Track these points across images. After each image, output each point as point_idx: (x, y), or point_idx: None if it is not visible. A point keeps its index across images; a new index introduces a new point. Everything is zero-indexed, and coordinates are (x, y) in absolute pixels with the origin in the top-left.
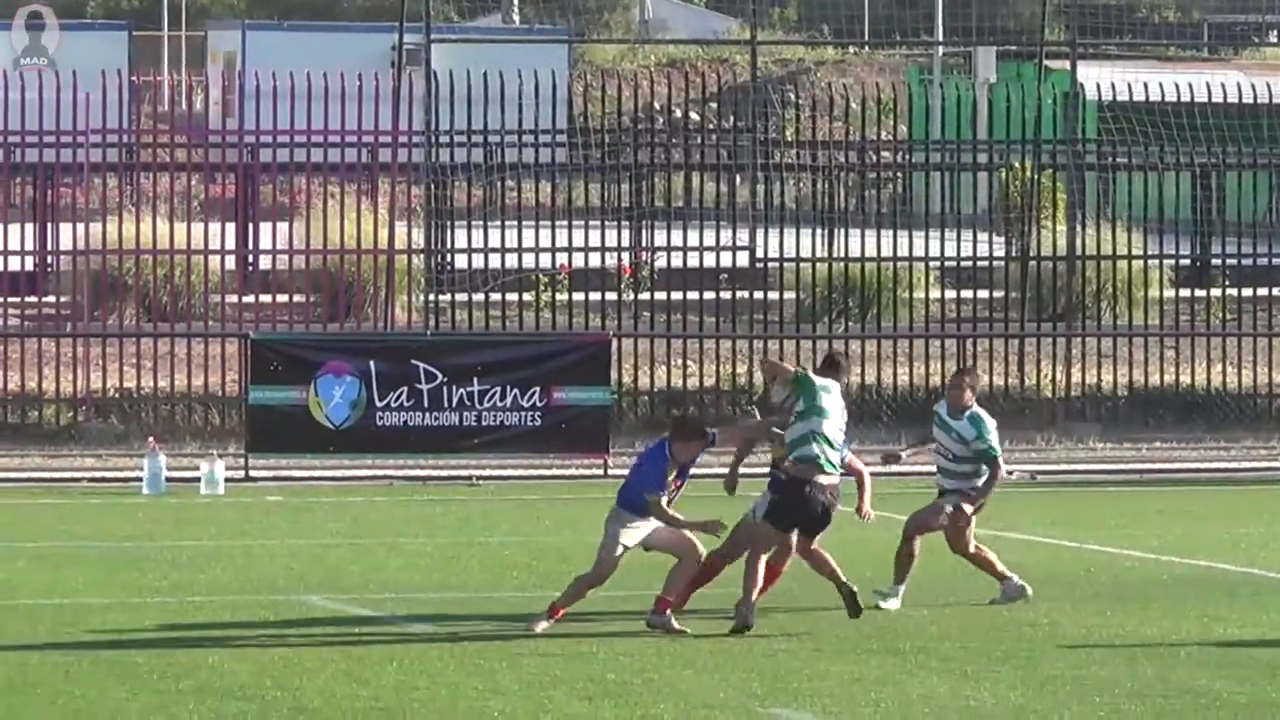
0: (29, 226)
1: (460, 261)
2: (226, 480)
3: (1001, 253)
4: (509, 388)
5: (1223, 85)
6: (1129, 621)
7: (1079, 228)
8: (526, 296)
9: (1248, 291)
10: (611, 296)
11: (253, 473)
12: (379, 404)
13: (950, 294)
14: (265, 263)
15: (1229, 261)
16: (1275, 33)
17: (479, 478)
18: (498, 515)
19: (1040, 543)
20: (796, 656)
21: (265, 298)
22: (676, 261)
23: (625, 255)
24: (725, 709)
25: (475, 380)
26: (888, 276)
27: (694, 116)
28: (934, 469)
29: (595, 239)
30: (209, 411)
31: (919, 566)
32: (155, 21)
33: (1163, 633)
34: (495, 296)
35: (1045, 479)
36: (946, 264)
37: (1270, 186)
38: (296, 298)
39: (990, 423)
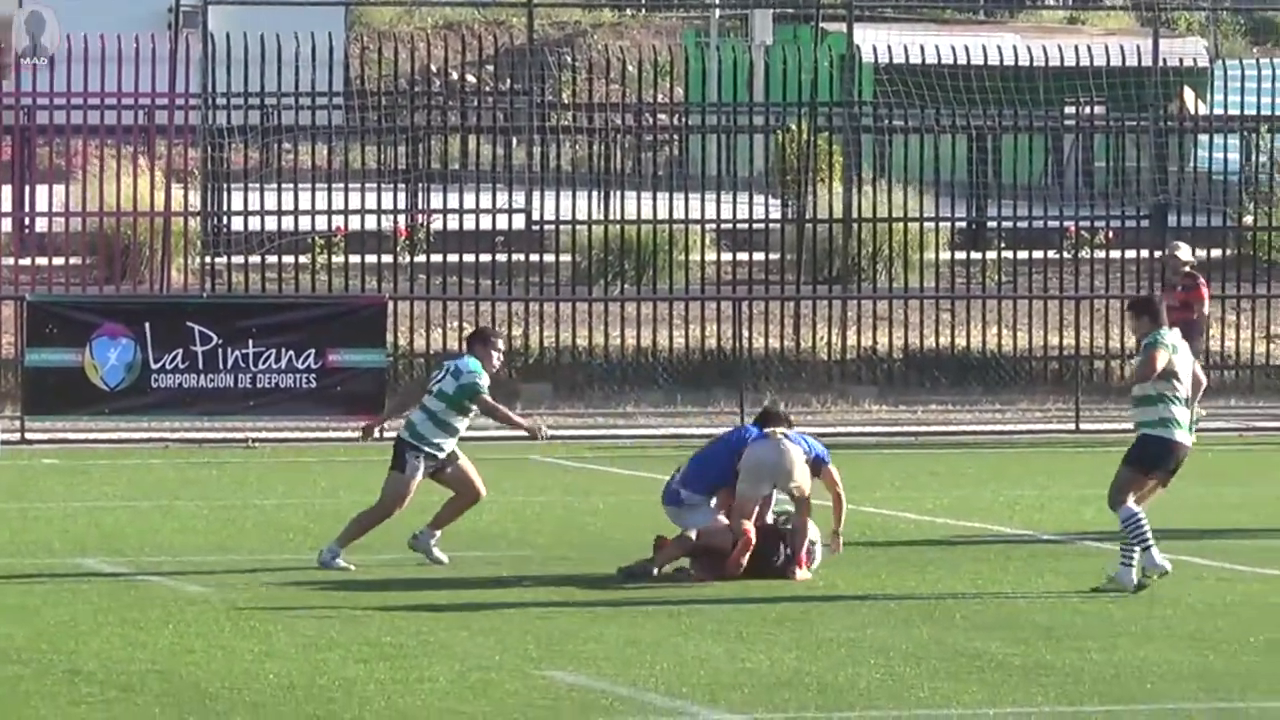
0: None
1: (237, 224)
2: (2, 443)
3: (778, 215)
4: (284, 350)
5: (999, 48)
6: (905, 584)
7: (855, 190)
8: (303, 259)
9: (1023, 254)
10: (387, 259)
11: (29, 435)
12: (154, 366)
13: (727, 256)
14: (42, 225)
15: (1005, 224)
16: None
17: (255, 440)
18: (274, 478)
19: (817, 505)
20: (572, 619)
21: (42, 260)
22: (453, 224)
23: (401, 218)
24: (501, 671)
25: (251, 342)
26: (664, 239)
27: (470, 79)
28: None
29: (371, 202)
30: None
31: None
32: None
33: (938, 595)
34: (271, 259)
35: (824, 441)
36: (723, 226)
37: (1046, 149)
38: (73, 260)
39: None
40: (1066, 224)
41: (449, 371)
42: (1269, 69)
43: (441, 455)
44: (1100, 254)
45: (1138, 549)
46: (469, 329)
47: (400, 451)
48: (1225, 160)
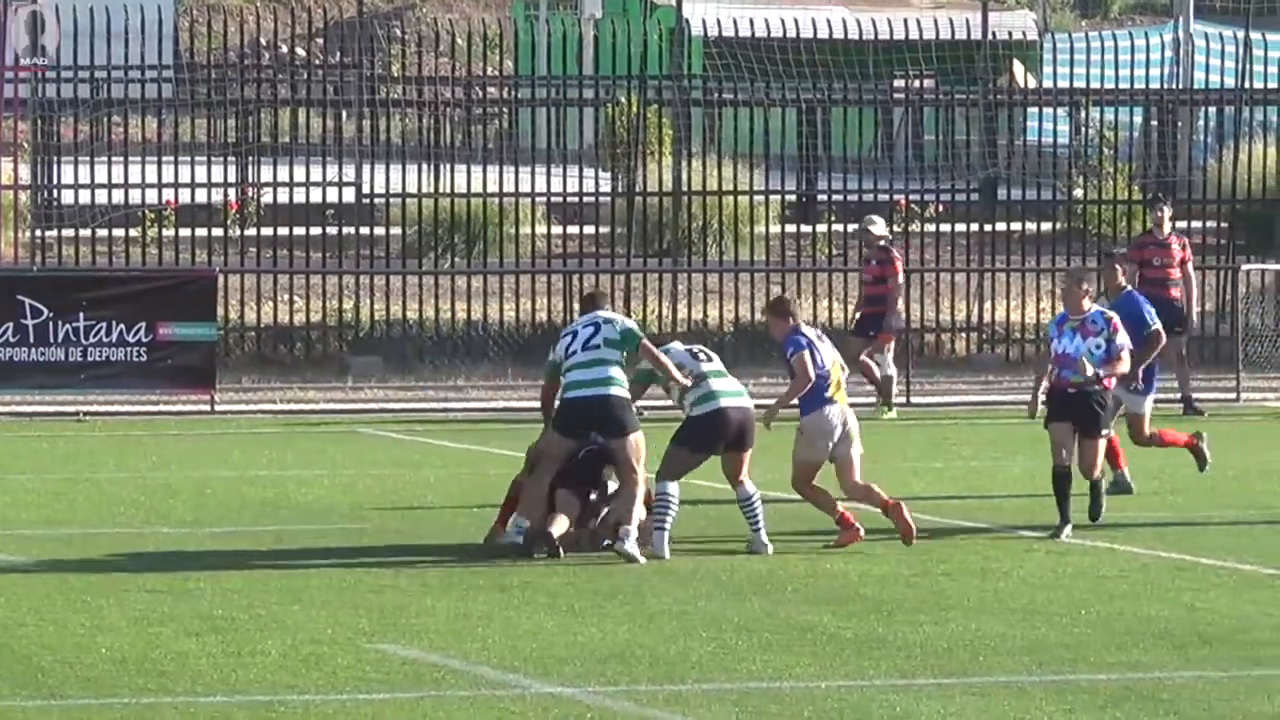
0: None
1: (67, 197)
2: None
3: (608, 189)
4: (115, 323)
5: (828, 21)
6: (736, 556)
7: (685, 164)
8: (133, 232)
9: (853, 227)
10: (218, 232)
11: None
12: None
13: (557, 229)
14: None
15: (835, 197)
16: None
17: (86, 413)
18: (104, 451)
19: (649, 478)
20: (404, 593)
21: None
22: (283, 197)
23: (231, 191)
24: (333, 644)
25: (81, 316)
26: (494, 212)
27: (300, 53)
28: None
29: (201, 175)
30: None
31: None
32: None
33: (770, 568)
34: (102, 232)
35: (652, 415)
36: (553, 199)
37: (876, 123)
38: None
39: None
40: (896, 197)
41: (599, 323)
42: (1098, 42)
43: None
44: (930, 227)
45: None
46: (299, 302)
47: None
48: (1055, 134)
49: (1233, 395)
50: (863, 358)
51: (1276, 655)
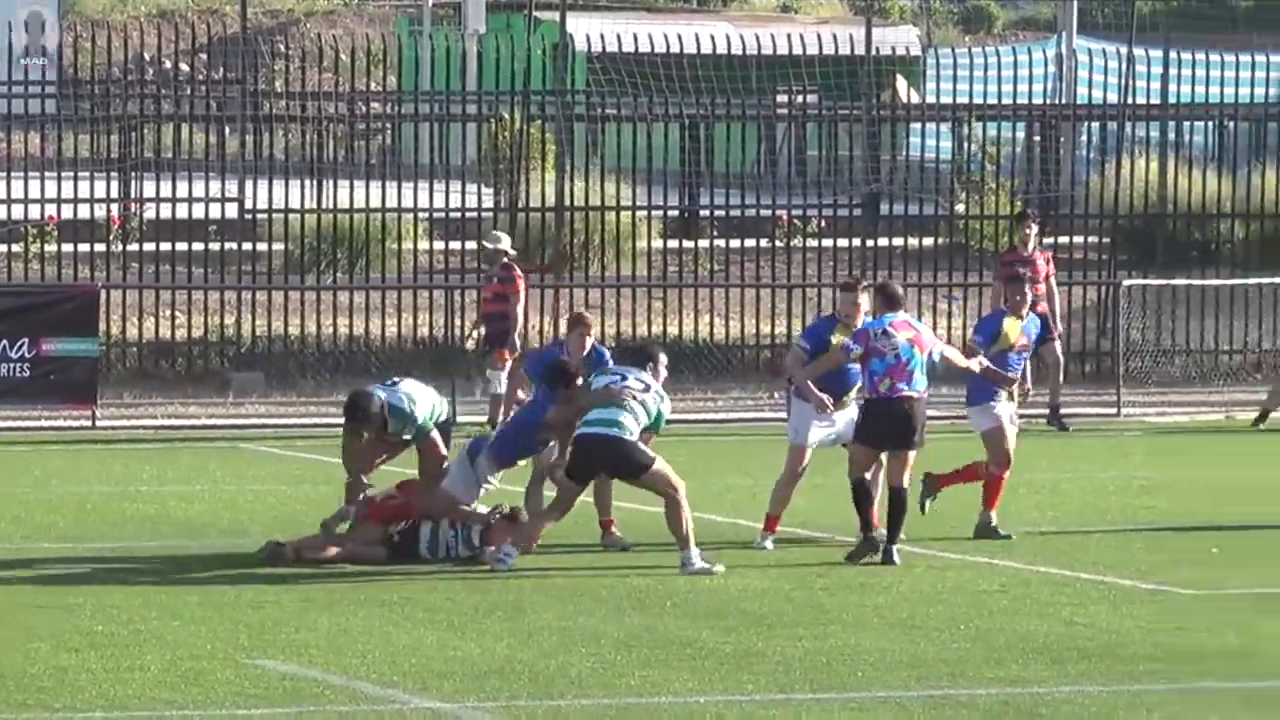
0: None
1: None
2: None
3: (491, 204)
4: None
5: (711, 37)
6: (616, 572)
7: (568, 179)
8: (15, 248)
9: (736, 243)
10: (100, 248)
11: None
12: None
13: (440, 245)
14: None
15: (717, 213)
16: None
17: None
18: None
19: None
20: (283, 608)
21: None
22: (165, 213)
23: (114, 206)
24: (212, 659)
25: None
26: (377, 228)
27: (184, 68)
28: None
29: (84, 190)
30: None
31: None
32: None
33: (650, 584)
34: None
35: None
36: (436, 215)
37: (759, 138)
38: None
39: None
40: (779, 212)
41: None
42: (981, 57)
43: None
44: (813, 242)
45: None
46: (181, 318)
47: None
48: (937, 149)
49: (1113, 410)
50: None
51: (1154, 670)
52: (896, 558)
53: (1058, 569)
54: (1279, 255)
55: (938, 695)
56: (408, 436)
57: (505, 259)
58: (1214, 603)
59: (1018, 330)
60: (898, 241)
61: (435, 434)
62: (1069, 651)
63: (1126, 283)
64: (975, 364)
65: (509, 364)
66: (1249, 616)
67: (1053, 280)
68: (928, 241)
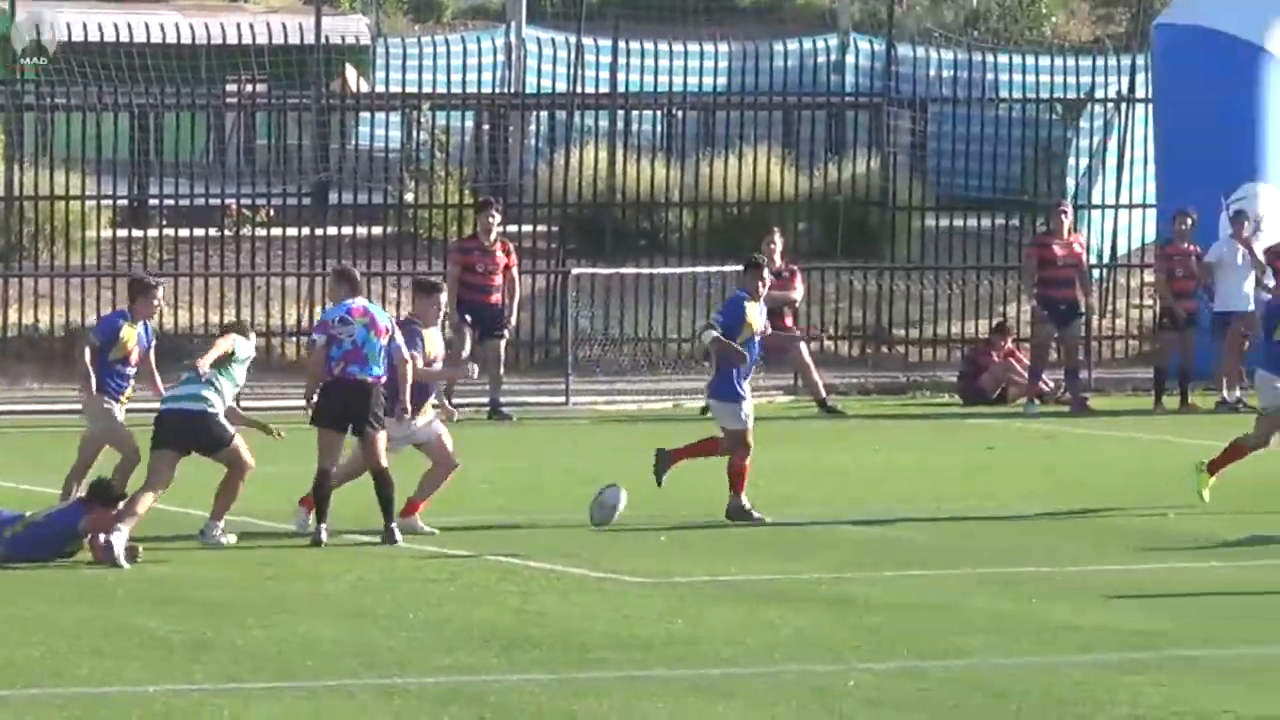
0: None
1: None
2: None
3: None
4: None
5: (161, 25)
6: (64, 563)
7: (18, 168)
8: None
9: (185, 232)
10: None
11: None
12: None
13: None
14: None
15: (167, 202)
16: None
17: None
18: None
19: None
20: None
21: None
22: None
23: None
24: None
25: None
26: None
27: None
28: None
29: None
30: None
31: None
32: None
33: (100, 573)
34: None
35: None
36: None
37: (208, 127)
38: None
39: None
40: (228, 201)
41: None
42: (430, 46)
43: None
44: (261, 231)
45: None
46: None
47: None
48: (387, 138)
49: (562, 399)
50: None
51: (603, 658)
52: (398, 536)
53: (506, 557)
54: (727, 244)
55: (387, 683)
56: None
57: None
58: (663, 591)
59: None
60: (347, 230)
61: None
62: (518, 640)
63: (575, 271)
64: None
65: None
66: (696, 605)
67: (513, 270)
68: (377, 230)
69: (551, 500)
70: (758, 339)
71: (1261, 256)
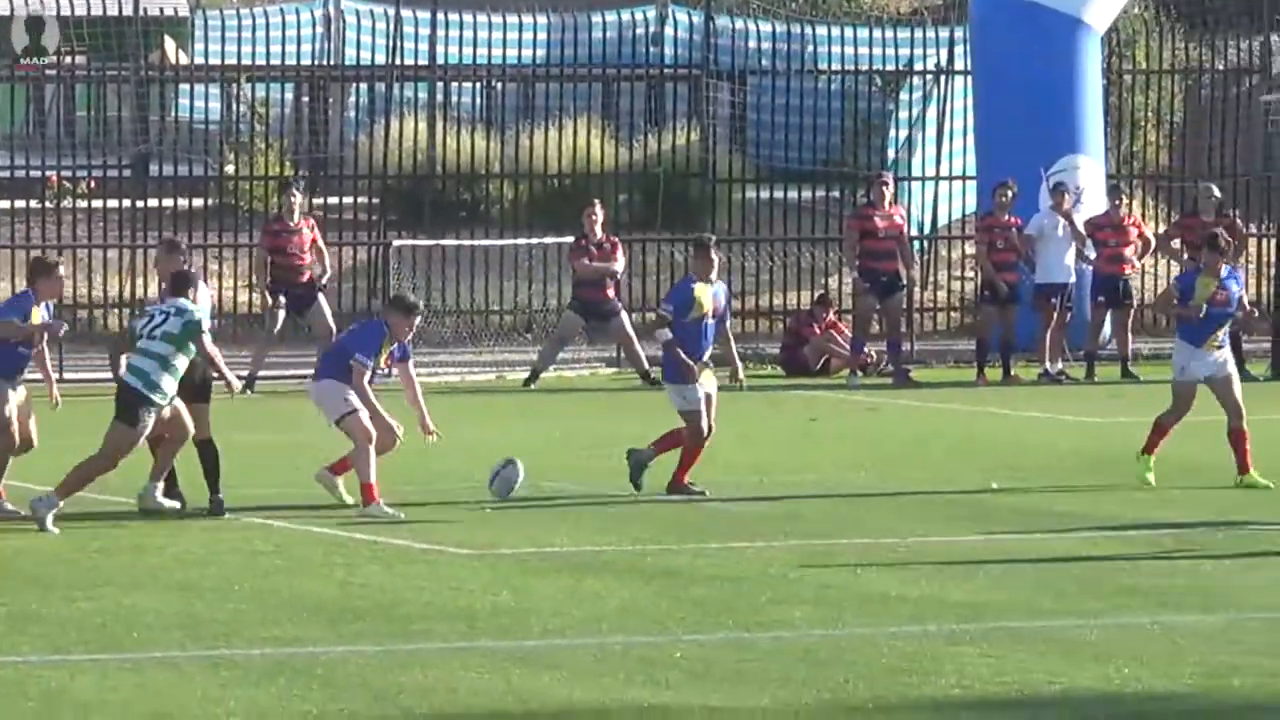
0: None
1: None
2: None
3: None
4: None
5: None
6: None
7: None
8: None
9: (5, 204)
10: None
11: None
12: None
13: None
14: None
15: None
16: None
17: None
18: None
19: None
20: None
21: None
22: None
23: None
24: None
25: None
26: None
27: None
28: None
29: None
30: None
31: None
32: None
33: None
34: None
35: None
36: None
37: (27, 99)
38: None
39: None
40: (48, 174)
41: (169, 313)
42: (250, 19)
43: (167, 402)
44: (82, 204)
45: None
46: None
47: (132, 404)
48: (206, 110)
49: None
50: None
51: (427, 629)
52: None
53: (331, 530)
54: (547, 216)
55: (213, 655)
56: None
57: None
58: (488, 563)
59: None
60: (167, 202)
61: None
62: (344, 611)
63: (396, 243)
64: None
65: None
66: (522, 577)
67: (320, 243)
68: (197, 202)
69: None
70: (710, 320)
71: (1082, 228)
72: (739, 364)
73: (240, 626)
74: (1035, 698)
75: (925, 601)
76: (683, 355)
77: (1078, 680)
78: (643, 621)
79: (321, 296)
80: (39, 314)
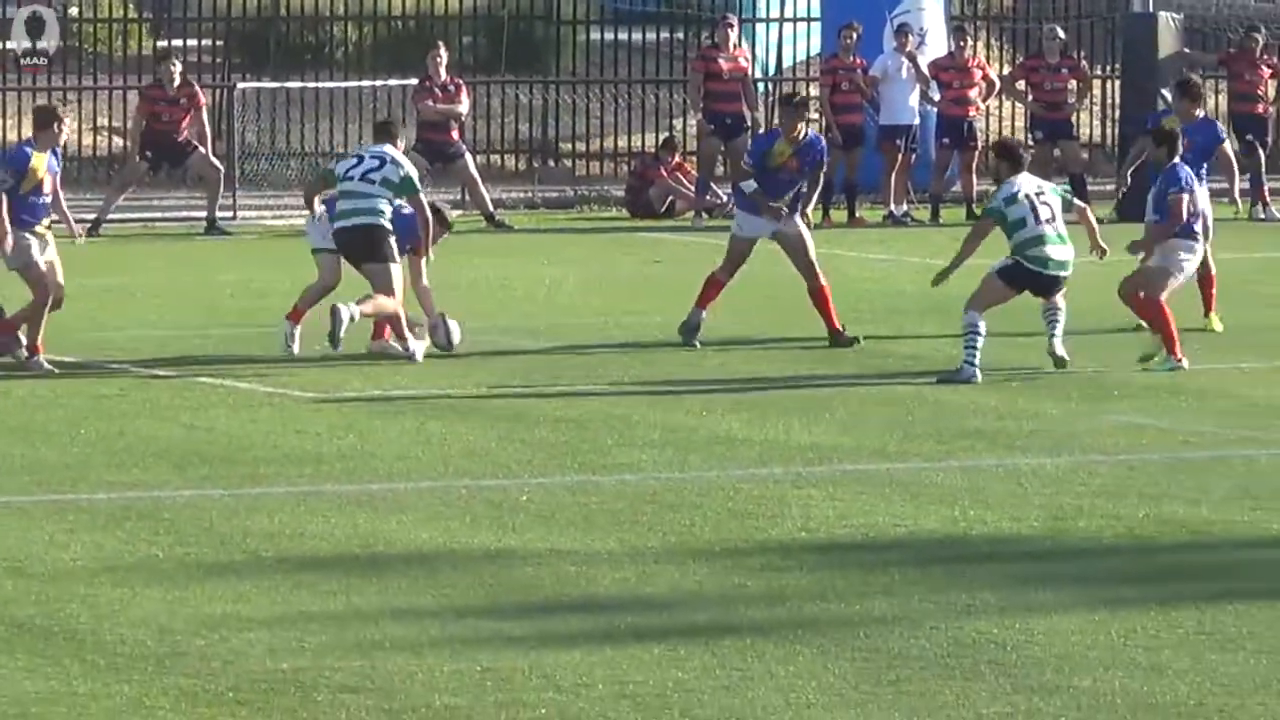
0: None
1: None
2: None
3: None
4: None
5: None
6: None
7: None
8: None
9: None
10: None
11: None
12: None
13: None
14: None
15: None
16: None
17: None
18: None
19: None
20: None
21: None
22: None
23: None
24: None
25: None
26: None
27: None
28: None
29: None
30: None
31: None
32: None
33: None
34: None
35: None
36: None
37: None
38: None
39: None
40: None
41: (385, 161)
42: None
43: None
44: None
45: None
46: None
47: (383, 240)
48: None
49: (229, 213)
50: None
51: (274, 473)
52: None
53: (176, 373)
54: (392, 59)
55: (59, 500)
56: None
57: None
58: (333, 406)
59: None
60: (11, 46)
61: None
62: (190, 456)
63: (241, 86)
64: None
65: None
66: (366, 419)
67: (203, 117)
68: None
69: (219, 315)
70: (786, 175)
71: (926, 70)
72: (808, 214)
73: (86, 470)
74: (881, 540)
75: (771, 445)
76: (767, 201)
77: (923, 523)
78: (489, 464)
79: (201, 148)
80: (43, 161)
